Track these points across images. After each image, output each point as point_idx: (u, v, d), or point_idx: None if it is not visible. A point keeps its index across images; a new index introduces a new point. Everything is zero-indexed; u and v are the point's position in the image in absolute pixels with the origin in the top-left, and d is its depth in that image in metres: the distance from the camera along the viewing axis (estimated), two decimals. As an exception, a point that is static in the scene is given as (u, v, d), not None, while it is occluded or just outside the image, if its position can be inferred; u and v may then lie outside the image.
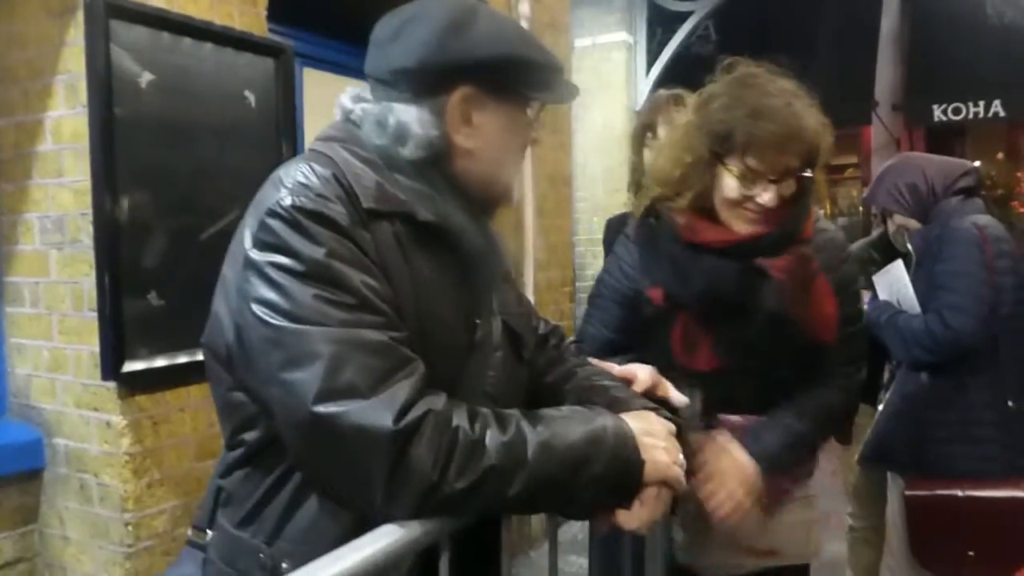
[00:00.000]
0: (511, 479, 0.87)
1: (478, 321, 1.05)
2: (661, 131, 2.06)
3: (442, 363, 0.95)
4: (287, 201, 0.88)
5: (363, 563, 0.75)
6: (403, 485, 0.83)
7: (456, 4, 1.02)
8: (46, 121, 2.01)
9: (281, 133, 2.28)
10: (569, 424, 0.94)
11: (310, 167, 0.92)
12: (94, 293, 1.91)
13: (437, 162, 1.00)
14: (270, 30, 2.36)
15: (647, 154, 2.09)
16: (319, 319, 0.84)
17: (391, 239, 0.94)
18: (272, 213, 0.88)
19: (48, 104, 2.00)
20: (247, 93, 2.20)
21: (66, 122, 1.96)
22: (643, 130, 2.15)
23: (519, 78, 1.02)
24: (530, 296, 3.50)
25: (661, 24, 5.17)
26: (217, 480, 1.04)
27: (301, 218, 0.87)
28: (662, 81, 5.00)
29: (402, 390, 0.84)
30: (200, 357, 1.05)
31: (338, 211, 0.88)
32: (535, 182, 3.56)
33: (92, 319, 1.93)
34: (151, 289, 1.97)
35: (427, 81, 0.99)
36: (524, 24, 3.43)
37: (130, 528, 1.96)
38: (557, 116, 3.75)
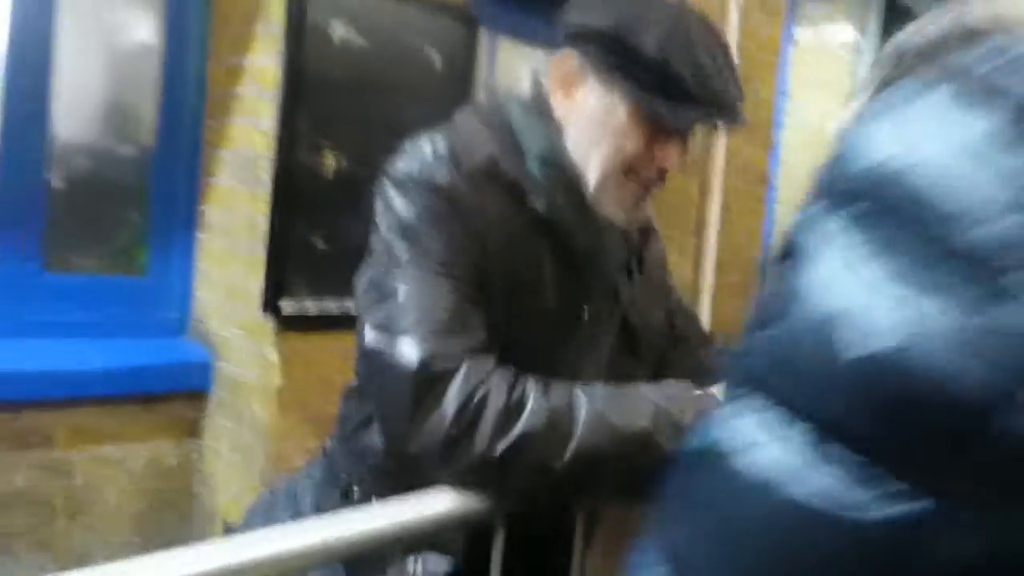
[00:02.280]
0: (556, 449, 0.81)
1: (586, 306, 1.02)
2: None
3: (534, 337, 0.94)
4: (399, 165, 0.96)
5: (399, 526, 0.70)
6: (426, 435, 0.83)
7: None
8: (248, 65, 2.13)
9: (461, 95, 2.28)
10: (638, 398, 0.86)
11: (431, 136, 0.97)
12: (267, 230, 2.01)
13: (545, 118, 1.00)
14: (468, -5, 2.36)
15: None
16: (403, 267, 0.91)
17: (500, 207, 0.95)
18: (387, 175, 0.97)
19: (251, 49, 2.11)
20: (433, 54, 2.21)
21: (264, 67, 2.07)
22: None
23: (616, 61, 0.94)
24: (707, 296, 3.32)
25: (897, 21, 4.72)
26: None
27: (406, 180, 0.94)
28: (891, 84, 4.56)
29: (447, 343, 0.85)
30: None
31: (441, 175, 0.92)
32: (724, 176, 3.36)
33: (263, 255, 2.03)
34: (318, 235, 2.04)
35: (558, 40, 1.01)
36: (733, 5, 3.23)
37: (270, 459, 2.05)
38: (758, 109, 3.51)
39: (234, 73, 2.18)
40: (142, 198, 2.29)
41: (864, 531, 0.27)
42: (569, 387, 0.86)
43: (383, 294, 0.90)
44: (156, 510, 2.19)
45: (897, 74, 0.38)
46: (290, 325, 2.04)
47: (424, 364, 0.83)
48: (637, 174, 0.99)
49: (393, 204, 0.94)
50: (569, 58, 0.98)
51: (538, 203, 0.96)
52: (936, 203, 0.27)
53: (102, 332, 2.18)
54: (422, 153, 0.94)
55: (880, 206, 0.30)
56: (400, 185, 0.94)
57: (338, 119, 2.06)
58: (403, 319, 0.87)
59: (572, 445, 0.81)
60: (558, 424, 0.81)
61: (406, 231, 0.92)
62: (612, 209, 1.00)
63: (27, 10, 2.00)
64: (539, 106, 1.01)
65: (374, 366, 0.89)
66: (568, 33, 0.99)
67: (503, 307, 0.92)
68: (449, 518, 0.76)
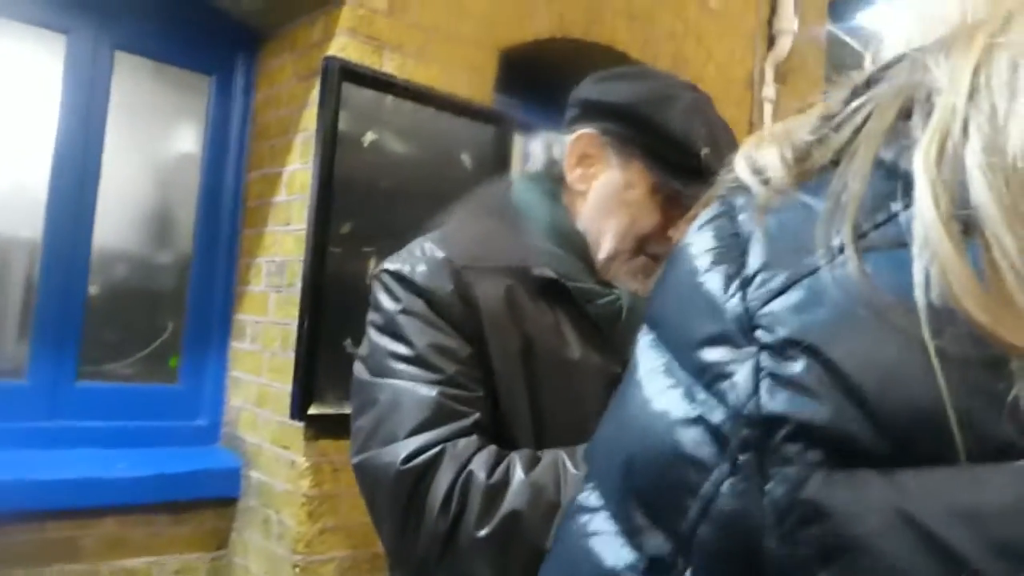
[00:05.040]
0: (543, 527, 0.78)
1: (619, 371, 0.98)
2: None
3: (562, 394, 0.93)
4: (384, 265, 0.98)
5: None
6: (414, 532, 0.81)
7: (653, 75, 1.03)
8: (284, 174, 2.18)
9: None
10: None
11: (422, 239, 0.99)
12: (297, 335, 2.01)
13: (554, 191, 1.01)
14: (495, 101, 2.41)
15: None
16: (384, 371, 0.90)
17: (501, 293, 0.94)
18: (374, 276, 0.99)
19: (287, 159, 2.17)
20: (464, 156, 2.25)
21: (298, 175, 2.11)
22: None
23: (639, 138, 0.95)
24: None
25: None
26: None
27: (387, 279, 0.96)
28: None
29: (428, 436, 0.84)
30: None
31: (420, 272, 0.93)
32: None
33: (293, 360, 2.02)
34: (347, 338, 2.03)
35: (570, 116, 1.02)
36: (768, 107, 3.26)
37: (298, 571, 1.98)
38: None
39: (270, 182, 2.24)
40: (178, 306, 2.31)
41: None
42: (556, 458, 0.84)
43: (366, 401, 0.91)
44: (180, 626, 2.12)
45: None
46: (320, 431, 2.01)
47: (405, 465, 0.83)
48: (648, 248, 1.00)
49: (379, 301, 0.96)
50: (588, 134, 0.98)
51: (544, 271, 0.95)
52: (670, 327, 0.37)
53: (133, 441, 2.17)
54: (409, 255, 0.97)
55: (657, 331, 0.38)
56: (385, 284, 0.96)
57: (371, 224, 2.08)
58: (386, 425, 0.87)
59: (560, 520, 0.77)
60: (542, 501, 0.79)
61: (387, 327, 0.93)
62: (621, 280, 1.00)
63: (74, 122, 2.09)
64: (548, 181, 1.02)
65: (364, 480, 0.90)
66: (586, 109, 0.99)
67: (522, 370, 0.92)
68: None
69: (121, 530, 2.04)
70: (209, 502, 2.19)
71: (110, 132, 2.17)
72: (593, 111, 0.98)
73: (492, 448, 0.85)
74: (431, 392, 0.87)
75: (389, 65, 2.10)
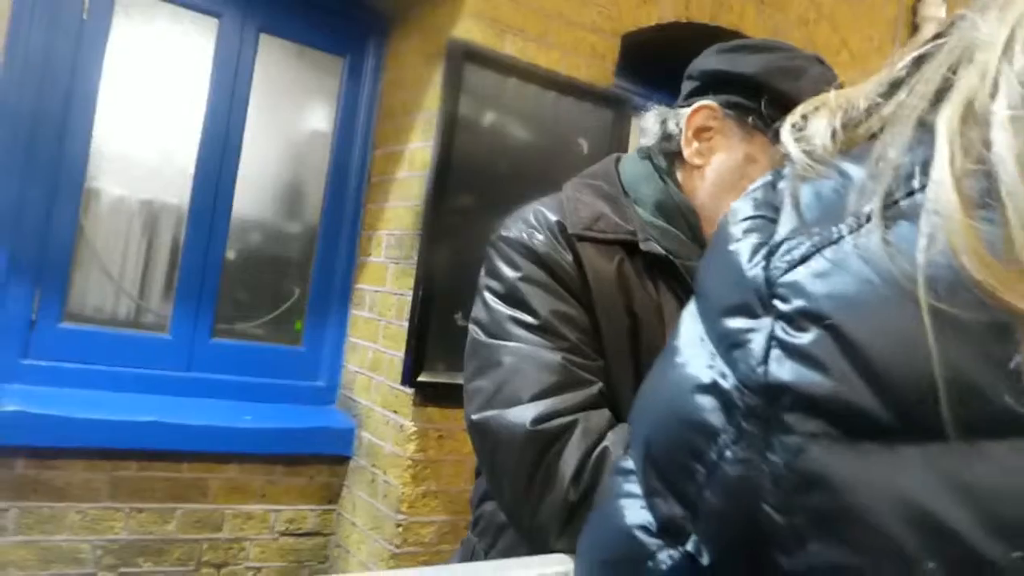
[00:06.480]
0: None
1: None
2: None
3: None
4: (501, 232, 0.98)
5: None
6: (544, 504, 0.81)
7: (779, 46, 0.99)
8: (406, 152, 2.28)
9: (606, 182, 2.32)
10: None
11: (537, 205, 0.99)
12: (411, 306, 2.11)
13: (666, 166, 1.01)
14: (615, 85, 2.43)
15: None
16: (506, 335, 0.90)
17: (611, 267, 0.94)
18: (491, 242, 0.99)
19: (410, 137, 2.26)
20: (581, 140, 2.28)
21: (419, 152, 2.21)
22: None
23: (763, 111, 0.92)
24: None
25: None
26: None
27: (505, 246, 0.96)
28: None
29: (557, 402, 0.84)
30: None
31: (540, 240, 0.93)
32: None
33: (406, 330, 2.12)
34: (459, 311, 2.11)
35: (689, 88, 1.00)
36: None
37: (400, 529, 2.09)
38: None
39: (393, 159, 2.34)
40: (304, 274, 2.47)
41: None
42: None
43: (487, 363, 0.90)
44: (290, 570, 2.27)
45: None
46: (428, 398, 2.10)
47: (536, 427, 0.82)
48: None
49: (497, 268, 0.94)
50: (708, 107, 0.96)
51: (653, 247, 0.94)
52: (706, 296, 0.38)
53: (258, 395, 2.34)
54: (525, 220, 0.96)
55: (698, 300, 0.39)
56: (503, 251, 0.95)
57: (486, 202, 2.14)
58: (510, 387, 0.86)
59: None
60: None
61: (508, 295, 0.92)
62: None
63: (221, 99, 2.26)
64: (661, 156, 1.01)
65: (485, 438, 0.88)
66: (708, 80, 0.97)
67: (629, 348, 0.91)
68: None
69: (243, 476, 2.21)
70: (324, 458, 2.33)
71: (252, 109, 2.33)
72: (715, 82, 0.96)
73: (625, 425, 0.83)
74: (556, 357, 0.86)
75: (511, 48, 2.16)
